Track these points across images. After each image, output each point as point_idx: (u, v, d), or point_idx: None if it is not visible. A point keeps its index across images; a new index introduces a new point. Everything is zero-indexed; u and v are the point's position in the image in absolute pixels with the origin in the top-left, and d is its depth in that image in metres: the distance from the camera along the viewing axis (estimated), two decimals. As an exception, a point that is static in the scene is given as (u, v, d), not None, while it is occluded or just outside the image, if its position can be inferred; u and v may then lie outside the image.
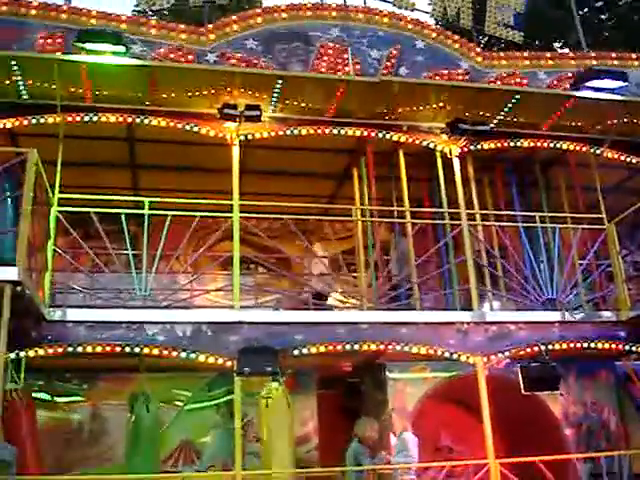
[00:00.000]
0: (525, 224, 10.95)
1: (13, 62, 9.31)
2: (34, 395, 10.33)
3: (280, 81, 9.91)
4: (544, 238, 11.26)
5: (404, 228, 10.95)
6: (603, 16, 27.03)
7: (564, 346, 9.82)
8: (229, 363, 8.77)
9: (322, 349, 9.07)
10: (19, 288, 7.20)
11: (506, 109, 10.75)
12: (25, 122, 9.67)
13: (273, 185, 11.86)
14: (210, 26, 12.03)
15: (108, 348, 8.57)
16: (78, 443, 10.85)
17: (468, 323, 9.72)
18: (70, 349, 8.49)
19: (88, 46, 9.44)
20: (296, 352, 8.96)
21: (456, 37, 13.42)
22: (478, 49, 13.48)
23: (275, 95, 10.07)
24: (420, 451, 9.44)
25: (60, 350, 8.48)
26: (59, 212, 9.17)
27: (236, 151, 9.99)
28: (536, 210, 11.35)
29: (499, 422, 9.48)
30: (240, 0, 13.75)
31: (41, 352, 8.44)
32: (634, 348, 10.08)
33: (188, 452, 11.04)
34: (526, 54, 13.96)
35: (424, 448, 9.77)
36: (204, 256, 10.93)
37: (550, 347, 9.72)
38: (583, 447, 10.77)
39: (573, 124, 11.39)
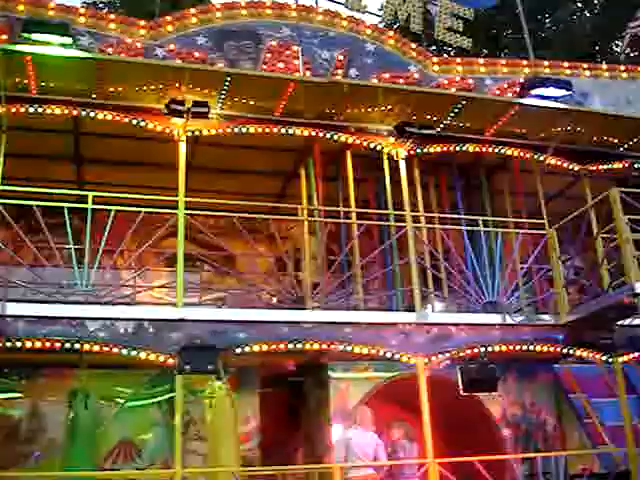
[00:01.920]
0: (468, 227, 11.10)
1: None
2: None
3: (229, 78, 9.86)
4: (487, 242, 11.43)
5: (350, 228, 11.03)
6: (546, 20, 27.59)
7: (504, 348, 9.98)
8: (171, 361, 8.71)
9: (265, 348, 9.08)
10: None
11: (452, 114, 10.88)
12: (-32, 113, 9.48)
13: (220, 182, 11.83)
14: (161, 20, 11.94)
15: (48, 344, 8.45)
16: (16, 440, 10.66)
17: (410, 324, 9.82)
18: (8, 344, 8.34)
19: (34, 36, 9.28)
20: (239, 350, 8.95)
21: (406, 41, 13.57)
22: (427, 53, 13.61)
23: (223, 92, 10.02)
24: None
25: (-1, 345, 8.34)
26: (0, 204, 9.00)
27: (183, 147, 9.91)
28: (480, 214, 11.51)
29: (439, 422, 9.60)
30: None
31: (-22, 347, 8.29)
32: (572, 351, 10.31)
33: (128, 450, 10.93)
34: (482, 60, 14.20)
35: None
36: (149, 252, 10.85)
37: (490, 349, 9.88)
38: (521, 448, 10.99)
39: (518, 131, 11.57)
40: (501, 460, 10.49)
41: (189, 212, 9.56)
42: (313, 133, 10.62)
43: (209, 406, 9.51)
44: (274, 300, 10.96)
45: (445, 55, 18.65)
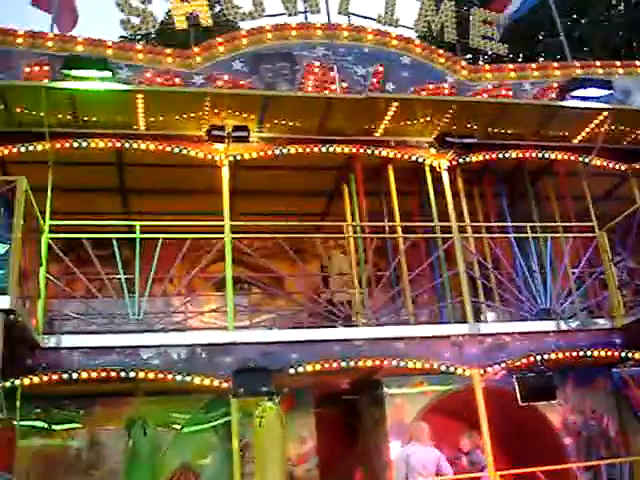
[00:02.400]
0: (516, 235, 10.98)
1: (1, 92, 9.32)
2: (31, 423, 10.32)
3: (267, 101, 9.95)
4: (536, 248, 11.28)
5: (396, 242, 10.98)
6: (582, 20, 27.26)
7: (560, 355, 9.81)
8: (225, 385, 8.75)
9: (318, 367, 9.06)
10: (12, 316, 7.15)
11: (493, 121, 10.81)
12: (14, 150, 9.68)
13: (264, 204, 11.89)
14: (196, 49, 12.09)
15: (103, 374, 8.56)
16: (77, 470, 10.77)
17: (463, 336, 9.72)
18: (65, 376, 8.47)
19: (74, 72, 9.46)
20: (292, 371, 8.95)
21: (441, 52, 13.53)
22: (463, 62, 13.55)
23: (262, 115, 10.10)
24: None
25: (55, 377, 8.46)
26: (50, 239, 9.16)
27: (226, 172, 10.02)
28: (527, 220, 11.37)
29: (498, 434, 9.46)
30: (224, 24, 13.81)
31: (36, 380, 8.41)
32: (630, 354, 10.07)
33: (187, 475, 10.96)
34: (511, 66, 14.10)
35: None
36: (197, 278, 10.94)
37: (546, 357, 9.72)
38: (583, 456, 10.73)
39: (560, 134, 11.45)
40: (564, 469, 10.27)
41: (235, 236, 9.62)
42: (354, 150, 10.64)
43: (258, 426, 9.51)
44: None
45: (481, 62, 18.55)
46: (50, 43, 11.72)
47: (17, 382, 8.35)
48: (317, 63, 12.27)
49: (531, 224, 11.11)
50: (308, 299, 11.08)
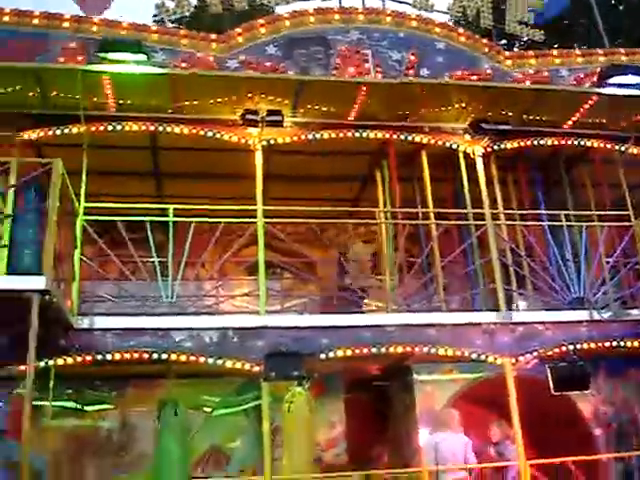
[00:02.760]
0: (550, 223, 10.86)
1: (37, 74, 9.39)
2: (63, 404, 10.46)
3: (301, 86, 9.93)
4: (570, 236, 11.15)
5: (428, 229, 10.93)
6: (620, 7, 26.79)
7: (592, 345, 9.72)
8: (256, 368, 8.79)
9: (348, 353, 9.06)
10: (47, 297, 7.22)
11: (528, 108, 10.68)
12: (50, 133, 9.76)
13: (296, 189, 11.87)
14: (230, 33, 12.08)
15: (136, 355, 8.65)
16: (107, 450, 10.91)
17: (495, 324, 9.66)
18: (98, 357, 8.57)
19: (110, 55, 9.49)
20: (322, 356, 8.96)
21: (477, 37, 13.38)
22: (500, 48, 13.39)
23: (296, 100, 10.08)
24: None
25: (88, 358, 8.55)
26: (85, 221, 9.24)
27: (259, 156, 10.03)
28: (561, 208, 11.25)
29: (528, 423, 9.41)
30: (259, 8, 13.78)
31: (70, 361, 8.51)
32: (663, 346, 9.95)
33: (217, 457, 11.06)
34: (544, 52, 13.90)
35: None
36: (229, 262, 10.97)
37: (578, 346, 9.63)
38: (613, 447, 10.64)
39: (597, 121, 11.28)
40: (594, 460, 10.19)
41: (268, 220, 9.63)
42: (387, 135, 10.58)
43: (287, 411, 9.55)
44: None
45: (516, 49, 18.32)
46: (95, 28, 11.79)
47: (51, 363, 8.46)
48: (351, 48, 12.20)
49: (565, 212, 10.98)
50: (331, 284, 11.11)
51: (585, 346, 9.68)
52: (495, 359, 9.47)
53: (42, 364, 8.20)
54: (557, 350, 9.62)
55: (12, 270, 8.31)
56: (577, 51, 14.26)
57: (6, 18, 11.64)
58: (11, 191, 8.84)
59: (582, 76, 13.33)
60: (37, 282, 7.11)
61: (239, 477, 10.58)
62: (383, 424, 11.47)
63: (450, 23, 14.57)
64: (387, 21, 12.87)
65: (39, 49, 11.27)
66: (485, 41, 13.41)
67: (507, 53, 13.74)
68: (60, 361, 8.47)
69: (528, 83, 12.58)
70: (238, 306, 11.26)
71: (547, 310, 10.28)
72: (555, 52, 13.99)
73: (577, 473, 9.14)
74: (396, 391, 11.05)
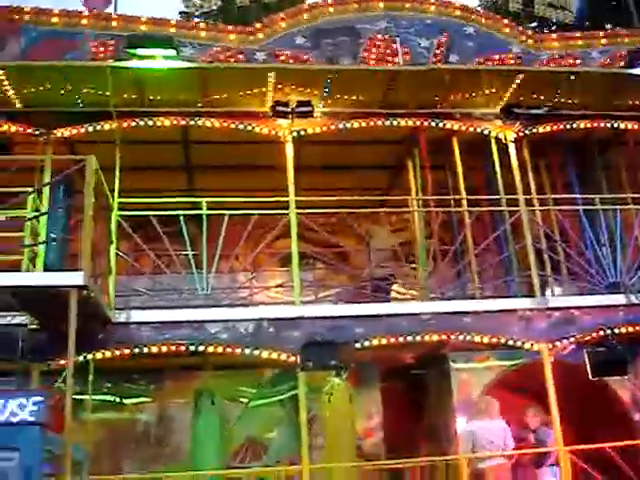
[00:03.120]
0: (585, 207, 10.75)
1: (67, 72, 9.47)
2: (102, 397, 10.60)
3: (330, 75, 9.91)
4: (605, 220, 11.02)
5: (460, 217, 10.87)
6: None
7: (630, 329, 9.62)
8: (292, 359, 8.83)
9: (384, 341, 9.06)
10: (85, 292, 7.30)
11: (560, 91, 10.56)
12: (82, 130, 9.86)
13: (327, 180, 11.83)
14: (258, 25, 12.09)
15: (173, 348, 8.74)
16: (146, 442, 11.03)
17: (531, 310, 9.59)
18: (136, 350, 8.67)
19: (139, 51, 9.54)
20: (358, 345, 8.97)
21: (506, 21, 13.24)
22: (529, 31, 13.24)
23: (326, 90, 10.06)
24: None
25: (127, 351, 8.67)
26: (119, 216, 9.32)
27: (290, 148, 10.04)
28: (595, 192, 11.12)
29: (566, 409, 9.34)
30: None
31: (108, 354, 8.63)
32: (701, 329, 9.81)
33: (255, 448, 11.14)
34: (578, 34, 13.72)
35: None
36: (263, 254, 11.00)
37: (616, 331, 9.54)
38: (654, 432, 10.53)
39: (630, 102, 11.12)
40: (633, 445, 10.08)
41: (300, 211, 9.64)
42: (418, 123, 10.52)
43: (327, 402, 9.58)
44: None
45: (546, 31, 18.09)
46: (114, 23, 11.86)
47: (89, 357, 8.58)
48: (379, 36, 12.14)
49: (600, 196, 10.86)
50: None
51: (623, 330, 9.58)
52: (532, 345, 9.42)
53: (81, 358, 8.31)
54: (594, 335, 9.53)
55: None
56: (607, 32, 14.04)
57: (27, 17, 11.73)
58: (46, 188, 8.98)
59: (613, 57, 13.15)
60: (75, 278, 7.17)
61: (277, 467, 10.62)
62: (419, 413, 11.46)
63: (479, 7, 14.39)
64: (414, 7, 12.78)
65: (69, 47, 11.37)
66: (514, 24, 13.26)
67: (537, 36, 13.57)
68: (99, 355, 8.60)
69: (552, 65, 12.43)
70: (272, 297, 11.32)
71: (584, 295, 10.18)
72: (585, 34, 13.81)
73: (616, 458, 9.04)
74: (432, 379, 11.03)
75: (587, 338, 9.55)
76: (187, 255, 9.42)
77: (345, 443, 9.70)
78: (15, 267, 7.90)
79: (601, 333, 9.52)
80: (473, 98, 10.67)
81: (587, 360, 9.31)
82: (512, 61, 12.40)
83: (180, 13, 17.54)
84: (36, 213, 8.41)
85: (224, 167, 11.57)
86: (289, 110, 9.78)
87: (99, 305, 8.01)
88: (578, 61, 12.83)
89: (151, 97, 10.00)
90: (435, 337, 9.22)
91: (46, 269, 8.47)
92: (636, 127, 11.06)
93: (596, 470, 9.15)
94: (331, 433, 9.75)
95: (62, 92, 9.75)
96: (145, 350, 8.70)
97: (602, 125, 10.99)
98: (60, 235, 9.15)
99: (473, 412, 9.91)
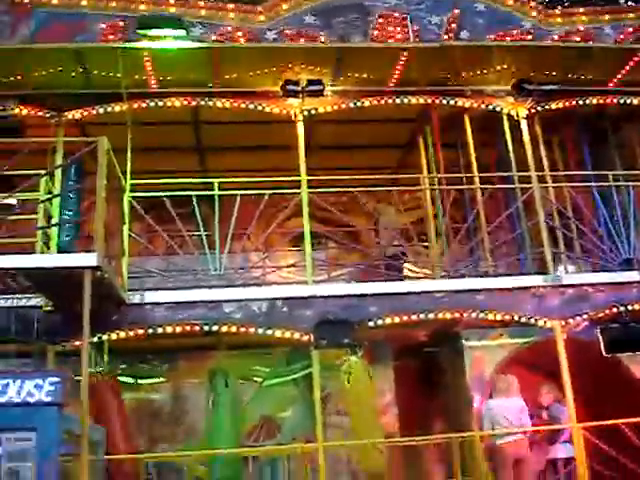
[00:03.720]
0: (598, 184, 10.69)
1: (77, 54, 9.46)
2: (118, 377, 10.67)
3: (341, 54, 9.87)
4: (618, 197, 10.95)
5: (473, 194, 10.84)
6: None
7: (643, 306, 9.60)
8: (305, 337, 8.87)
9: (397, 320, 9.08)
10: (99, 273, 7.34)
11: (572, 67, 10.48)
12: (93, 112, 9.87)
13: (338, 159, 11.84)
14: (267, 4, 12.02)
15: (187, 328, 8.80)
16: (161, 422, 11.13)
17: (544, 287, 9.57)
18: (150, 330, 8.74)
19: (150, 32, 9.52)
20: (371, 324, 9.01)
21: (517, -4, 13.08)
22: (540, 7, 13.09)
23: (336, 68, 10.02)
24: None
25: (141, 332, 8.73)
26: (132, 198, 9.34)
27: (301, 127, 10.02)
28: (608, 168, 11.05)
29: (580, 387, 9.35)
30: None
31: (122, 335, 8.70)
32: None
33: (269, 427, 11.21)
34: (587, 9, 13.55)
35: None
36: (274, 233, 11.01)
37: (630, 308, 9.52)
38: (668, 408, 10.52)
39: (641, 78, 11.03)
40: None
41: (312, 191, 9.63)
42: (429, 100, 10.48)
43: (347, 382, 9.63)
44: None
45: (559, 7, 17.87)
46: (113, 3, 11.79)
47: (104, 337, 8.64)
48: (390, 13, 12.03)
49: (613, 172, 10.79)
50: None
51: (636, 307, 9.55)
52: (545, 322, 9.42)
53: (96, 339, 8.38)
54: (608, 312, 9.52)
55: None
56: (623, 7, 13.87)
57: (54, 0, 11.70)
58: (59, 171, 9.01)
59: (629, 32, 13.00)
60: (89, 259, 7.22)
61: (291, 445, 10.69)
62: (433, 391, 11.49)
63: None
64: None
65: (79, 29, 11.34)
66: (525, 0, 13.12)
67: (548, 11, 13.42)
68: (113, 336, 8.68)
69: (571, 42, 12.29)
70: (285, 277, 11.34)
71: (597, 272, 10.16)
72: (598, 8, 13.64)
73: (630, 435, 9.05)
74: (445, 357, 11.03)
75: (600, 315, 9.54)
76: (200, 236, 9.44)
77: (370, 421, 9.76)
78: (29, 250, 7.96)
79: (614, 310, 9.51)
80: (484, 75, 10.60)
81: (600, 337, 9.31)
82: (523, 37, 12.26)
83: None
84: (49, 195, 8.46)
85: (235, 147, 11.58)
86: (300, 89, 9.77)
87: (113, 286, 8.05)
88: (591, 36, 12.65)
89: (161, 78, 9.96)
90: (448, 315, 9.24)
91: (60, 251, 8.51)
92: (649, 103, 10.96)
93: (609, 447, 9.17)
94: (355, 412, 9.81)
95: (73, 74, 9.76)
96: (159, 330, 8.77)
97: (614, 101, 10.89)
98: (73, 217, 9.18)
99: (487, 389, 9.92)
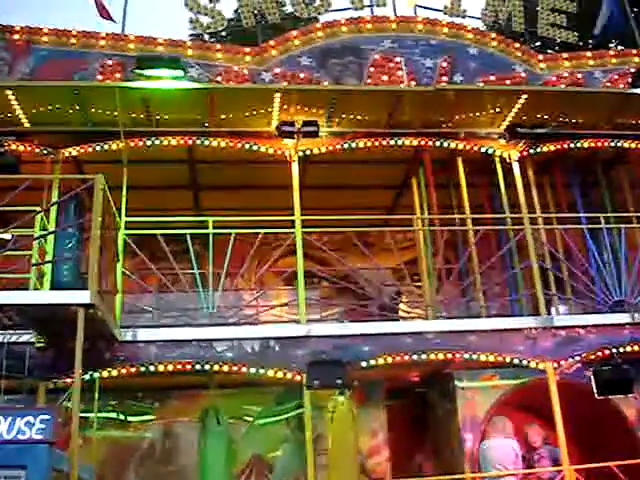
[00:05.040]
0: (589, 226, 10.78)
1: (75, 92, 9.56)
2: (107, 415, 10.59)
3: (336, 96, 9.99)
4: (609, 239, 11.04)
5: (465, 235, 10.90)
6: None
7: (635, 348, 9.60)
8: (297, 377, 8.83)
9: (389, 360, 9.07)
10: (92, 311, 7.34)
11: (564, 110, 10.63)
12: (90, 149, 9.95)
13: (332, 199, 11.88)
14: (264, 45, 12.21)
15: (179, 366, 8.74)
16: (151, 460, 11.02)
17: (536, 329, 9.60)
18: (142, 368, 8.69)
19: (147, 72, 9.63)
20: (364, 364, 8.98)
21: (510, 41, 13.34)
22: (532, 52, 13.33)
23: (331, 110, 10.15)
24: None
25: (133, 370, 8.68)
26: (126, 235, 9.37)
27: (295, 167, 10.10)
28: (600, 211, 11.15)
29: (571, 428, 9.33)
30: (291, 20, 13.96)
31: (114, 372, 8.65)
32: None
33: (260, 467, 11.11)
34: (577, 54, 13.81)
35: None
36: (267, 272, 11.04)
37: (621, 350, 9.53)
38: (660, 450, 10.49)
39: (634, 122, 11.17)
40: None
41: (306, 230, 9.68)
42: (422, 142, 10.61)
43: (330, 421, 9.57)
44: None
45: (550, 51, 18.18)
46: (131, 45, 12.00)
47: (96, 375, 8.59)
48: (384, 56, 12.24)
49: (604, 215, 10.88)
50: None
51: (628, 349, 9.57)
52: (537, 364, 9.41)
53: (87, 376, 8.33)
54: (600, 354, 9.53)
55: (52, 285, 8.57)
56: (611, 52, 14.11)
57: (45, 38, 11.86)
58: (54, 208, 9.04)
59: (616, 77, 13.23)
60: (82, 296, 7.22)
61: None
62: (425, 431, 11.44)
63: (483, 28, 14.49)
64: (419, 29, 12.89)
65: (77, 67, 11.49)
66: (518, 45, 13.37)
67: (540, 56, 13.67)
68: (105, 373, 8.61)
69: (562, 86, 12.50)
70: (277, 315, 11.34)
71: (588, 314, 10.20)
72: (588, 54, 13.88)
73: (622, 477, 9.01)
74: (437, 398, 11.01)
75: (592, 357, 9.55)
76: (193, 274, 9.46)
77: (347, 462, 9.66)
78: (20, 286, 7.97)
79: (606, 352, 9.51)
80: (477, 118, 10.75)
81: (593, 379, 9.31)
82: (516, 81, 12.47)
83: (190, 35, 17.62)
84: (44, 232, 8.48)
85: (230, 186, 11.65)
86: (295, 130, 9.83)
87: (106, 323, 8.04)
88: (581, 81, 12.87)
89: (158, 117, 10.07)
90: (440, 355, 9.22)
91: (59, 287, 8.49)
92: (640, 146, 11.12)
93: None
94: (333, 452, 9.72)
95: (70, 111, 9.85)
96: (151, 368, 8.72)
97: (606, 144, 11.04)
98: (75, 253, 9.17)
99: (480, 430, 9.89)
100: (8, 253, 7.90)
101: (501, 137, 10.80)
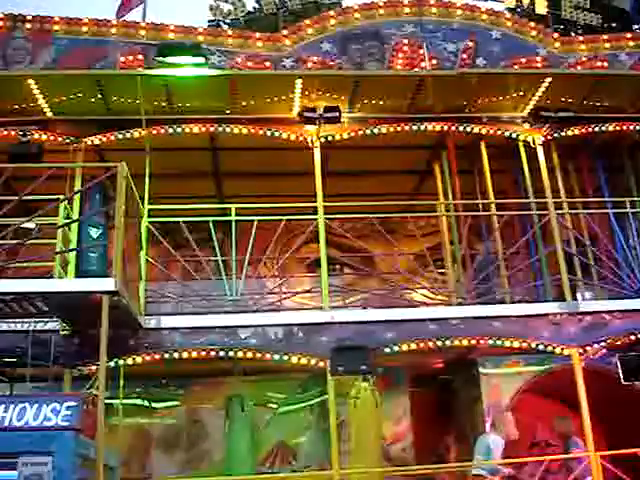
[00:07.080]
0: (615, 210, 10.66)
1: (98, 80, 9.59)
2: (133, 402, 10.69)
3: (357, 81, 9.93)
4: (635, 223, 10.92)
5: (490, 221, 10.82)
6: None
7: (662, 334, 9.52)
8: (321, 364, 8.83)
9: (413, 346, 9.04)
10: (116, 298, 7.37)
11: (589, 94, 10.49)
12: (112, 138, 9.96)
13: (354, 185, 11.86)
14: (285, 32, 12.15)
15: (203, 353, 8.78)
16: (176, 446, 11.11)
17: (561, 314, 9.52)
18: (167, 355, 8.73)
19: (169, 59, 9.62)
20: (387, 350, 8.95)
21: (532, 24, 13.15)
22: (555, 34, 13.14)
23: (353, 95, 10.09)
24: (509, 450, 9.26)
25: (157, 357, 8.73)
26: (149, 223, 9.40)
27: (318, 154, 10.06)
28: (625, 195, 11.02)
29: (597, 414, 9.26)
30: (315, 5, 13.87)
31: (139, 359, 8.69)
32: None
33: (284, 453, 11.17)
34: (606, 36, 13.59)
35: (520, 443, 9.61)
36: (290, 259, 11.03)
37: (648, 335, 9.45)
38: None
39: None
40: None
41: (328, 217, 9.65)
42: (445, 127, 10.51)
43: (353, 407, 9.58)
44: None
45: (573, 34, 17.92)
46: (143, 32, 11.98)
47: (121, 362, 8.65)
48: (406, 41, 12.12)
49: (630, 199, 10.75)
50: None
51: (654, 334, 9.48)
52: (562, 350, 9.33)
53: (112, 364, 8.39)
54: (626, 339, 9.44)
55: (79, 273, 8.62)
56: (628, 35, 13.86)
57: (56, 27, 11.87)
58: (77, 196, 9.09)
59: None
60: (106, 284, 7.26)
61: (306, 472, 10.64)
62: (448, 418, 11.42)
63: (506, 11, 14.32)
64: (439, 12, 12.74)
65: (99, 56, 11.50)
66: (541, 27, 13.18)
67: (564, 39, 13.48)
68: (130, 360, 8.66)
69: (580, 68, 12.34)
70: (300, 302, 11.34)
71: (614, 299, 10.09)
72: (612, 36, 13.66)
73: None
74: (461, 385, 10.99)
75: (618, 342, 9.46)
76: (216, 261, 9.48)
77: (371, 448, 9.65)
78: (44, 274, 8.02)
79: (632, 338, 9.43)
80: (501, 102, 10.63)
81: (619, 364, 9.22)
82: (539, 64, 12.30)
83: (209, 22, 17.58)
84: (67, 220, 8.52)
85: (252, 173, 11.64)
86: (317, 116, 9.79)
87: (130, 311, 8.08)
88: (606, 64, 12.68)
89: (180, 104, 10.06)
90: (464, 342, 9.17)
91: (86, 275, 8.54)
92: (666, 130, 10.95)
93: (628, 476, 9.05)
94: (357, 438, 9.72)
95: (92, 100, 9.87)
96: (175, 355, 8.75)
97: (631, 127, 10.88)
98: (102, 241, 9.21)
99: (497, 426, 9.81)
100: (32, 242, 7.96)
101: (525, 121, 10.68)
